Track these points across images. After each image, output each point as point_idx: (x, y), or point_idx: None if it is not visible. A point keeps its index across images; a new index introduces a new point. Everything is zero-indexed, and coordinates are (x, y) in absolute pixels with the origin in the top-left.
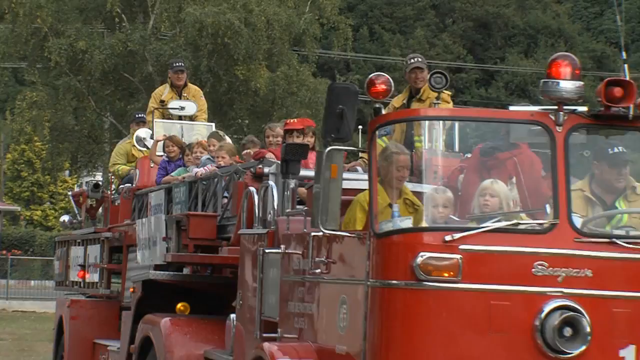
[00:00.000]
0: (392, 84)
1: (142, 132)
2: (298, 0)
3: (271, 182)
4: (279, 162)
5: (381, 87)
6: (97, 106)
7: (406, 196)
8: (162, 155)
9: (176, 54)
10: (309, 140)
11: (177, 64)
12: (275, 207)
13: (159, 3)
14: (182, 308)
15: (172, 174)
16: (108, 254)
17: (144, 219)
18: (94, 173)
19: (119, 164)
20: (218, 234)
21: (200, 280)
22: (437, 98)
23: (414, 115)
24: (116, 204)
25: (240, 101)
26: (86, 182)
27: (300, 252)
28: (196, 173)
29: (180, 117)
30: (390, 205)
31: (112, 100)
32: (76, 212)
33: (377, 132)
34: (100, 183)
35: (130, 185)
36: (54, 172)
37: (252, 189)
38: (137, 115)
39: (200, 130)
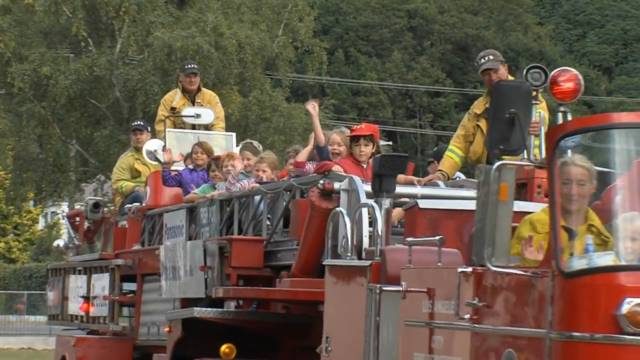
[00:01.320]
0: (582, 82)
1: (153, 143)
2: (271, 23)
3: (370, 202)
4: (353, 176)
5: (567, 85)
6: (63, 133)
7: (591, 222)
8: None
9: (144, 79)
10: (373, 150)
11: (190, 66)
12: (380, 232)
13: (127, 26)
14: (227, 350)
15: (196, 191)
16: (119, 285)
17: (169, 244)
18: (59, 203)
19: (122, 179)
20: (265, 262)
21: (252, 319)
22: (535, 98)
23: (616, 122)
24: (120, 225)
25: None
26: (84, 201)
27: (428, 291)
28: (227, 188)
29: (194, 127)
30: (569, 232)
31: (78, 128)
32: (72, 235)
33: (560, 144)
34: (101, 202)
35: (138, 204)
36: (17, 202)
37: (341, 210)
38: (136, 124)
39: (219, 141)
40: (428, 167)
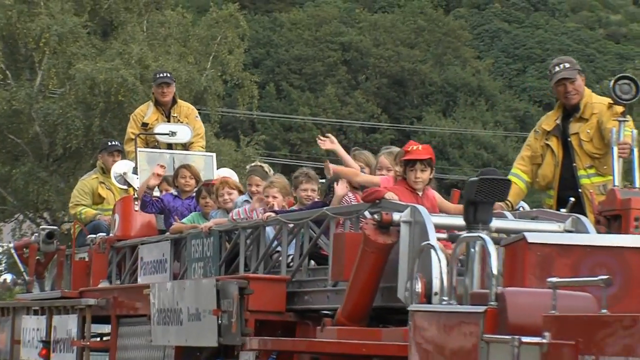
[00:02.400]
0: None
1: (122, 165)
2: (199, 56)
3: (484, 236)
4: (417, 206)
5: None
6: None
7: None
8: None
9: (65, 113)
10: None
11: (161, 75)
12: (494, 271)
13: (47, 58)
14: None
15: (184, 220)
16: (89, 328)
17: (166, 284)
18: None
19: (82, 204)
20: (287, 305)
21: None
22: (624, 114)
23: None
24: (78, 258)
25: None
26: (35, 231)
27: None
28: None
29: (169, 146)
30: None
31: None
32: (22, 269)
33: None
34: (56, 231)
35: (104, 234)
36: None
37: (437, 244)
38: (109, 144)
39: (197, 162)
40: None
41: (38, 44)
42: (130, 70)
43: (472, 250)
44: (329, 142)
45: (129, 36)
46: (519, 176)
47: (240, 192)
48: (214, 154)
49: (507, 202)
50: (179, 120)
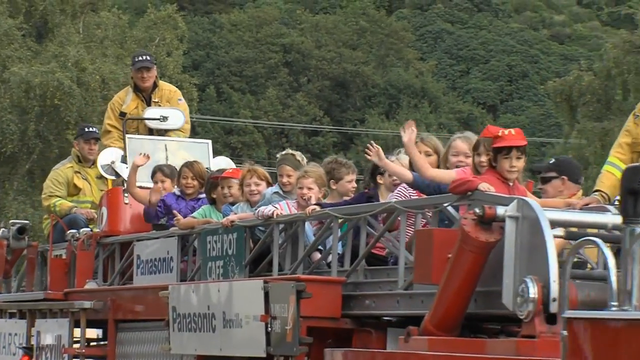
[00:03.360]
0: None
1: (109, 154)
2: None
3: None
4: (526, 198)
5: None
6: None
7: None
8: (145, 187)
9: (0, 117)
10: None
11: (140, 58)
12: None
13: None
14: None
15: (194, 214)
16: (84, 333)
17: (192, 285)
18: None
19: (56, 196)
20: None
21: None
22: None
23: None
24: (55, 256)
25: None
26: (3, 225)
27: None
28: (273, 212)
29: (151, 131)
30: None
31: None
32: None
33: None
34: (28, 226)
35: (88, 229)
36: None
37: (598, 240)
38: (86, 130)
39: (192, 150)
40: (546, 184)
41: None
42: (67, 73)
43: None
44: (375, 155)
45: (65, 38)
46: (616, 165)
47: (269, 184)
48: (210, 141)
49: (604, 195)
50: (159, 105)
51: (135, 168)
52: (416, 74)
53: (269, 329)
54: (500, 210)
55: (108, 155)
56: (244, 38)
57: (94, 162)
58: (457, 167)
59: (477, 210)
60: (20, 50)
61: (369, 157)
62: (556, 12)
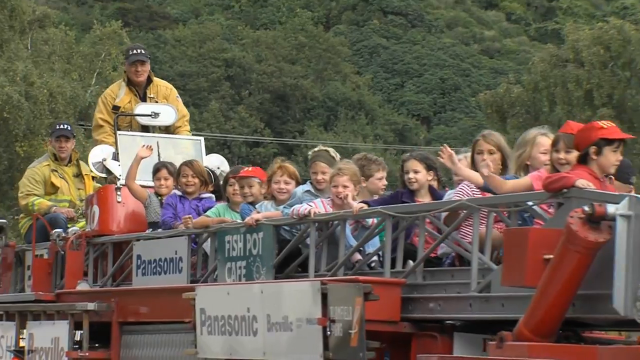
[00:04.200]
0: None
1: (100, 151)
2: (83, 73)
3: None
4: (634, 195)
5: None
6: None
7: None
8: (145, 186)
9: None
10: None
11: (135, 51)
12: None
13: None
14: None
15: (208, 213)
16: (87, 336)
17: (225, 287)
18: None
19: (34, 194)
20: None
21: None
22: None
23: None
24: (37, 255)
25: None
26: None
27: None
28: (310, 211)
29: (147, 129)
30: None
31: None
32: None
33: None
34: (5, 225)
35: (77, 229)
36: None
37: None
38: (61, 127)
39: (186, 147)
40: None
41: None
42: (15, 88)
43: None
44: (448, 159)
45: (14, 54)
46: None
47: (298, 183)
48: (202, 138)
49: None
50: (156, 101)
51: (138, 160)
52: (353, 87)
53: (328, 332)
54: (611, 209)
55: (99, 153)
56: (187, 53)
57: (70, 160)
58: (545, 165)
59: (586, 208)
60: None
61: (442, 159)
62: (486, 28)
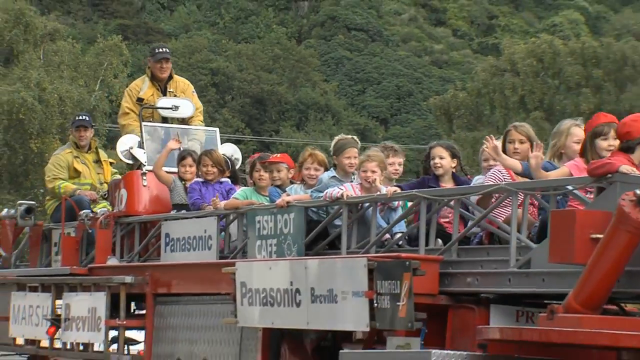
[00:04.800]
0: None
1: (127, 140)
2: (88, 79)
3: None
4: None
5: None
6: None
7: None
8: (173, 172)
9: None
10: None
11: (161, 50)
12: None
13: None
14: None
15: (236, 196)
16: (124, 306)
17: (268, 263)
18: None
19: (60, 179)
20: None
21: None
22: None
23: None
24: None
25: (36, 172)
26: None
27: None
28: (342, 194)
29: (164, 120)
30: None
31: None
32: None
33: None
34: (34, 206)
35: (105, 210)
36: None
37: None
38: (80, 118)
39: (200, 137)
40: None
41: None
42: (29, 92)
43: None
44: (492, 150)
45: (28, 63)
46: None
47: (326, 169)
48: (217, 129)
49: None
50: (175, 95)
51: (168, 151)
52: (321, 93)
53: (375, 304)
54: None
55: (126, 142)
56: (178, 63)
57: (90, 148)
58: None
59: (637, 191)
60: None
61: (486, 149)
62: (436, 42)
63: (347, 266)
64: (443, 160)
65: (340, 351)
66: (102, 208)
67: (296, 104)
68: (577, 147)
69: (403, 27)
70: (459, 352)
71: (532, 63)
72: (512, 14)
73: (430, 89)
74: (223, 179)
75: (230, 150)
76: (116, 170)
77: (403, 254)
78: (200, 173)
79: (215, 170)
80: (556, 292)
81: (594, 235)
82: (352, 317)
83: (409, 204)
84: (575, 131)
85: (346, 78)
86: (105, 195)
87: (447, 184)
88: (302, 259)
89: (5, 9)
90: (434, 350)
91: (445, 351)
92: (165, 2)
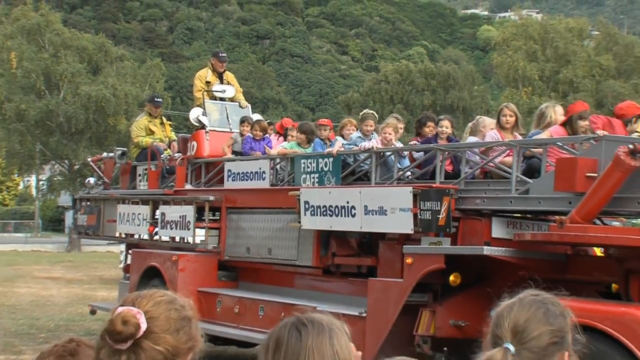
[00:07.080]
0: None
1: (196, 111)
2: (142, 84)
3: None
4: None
5: None
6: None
7: None
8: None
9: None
10: None
11: (223, 55)
12: None
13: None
14: (454, 278)
15: (284, 145)
16: (207, 215)
17: (327, 189)
18: (29, 175)
19: (141, 136)
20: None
21: (538, 258)
22: None
23: None
24: (152, 169)
25: (111, 137)
26: (109, 150)
27: None
28: (372, 146)
29: (218, 98)
30: None
31: None
32: (100, 175)
33: None
34: (127, 151)
35: (179, 154)
36: (7, 175)
37: None
38: (158, 100)
39: (241, 112)
40: None
41: None
42: (107, 91)
43: None
44: None
45: (107, 74)
46: None
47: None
48: (249, 105)
49: None
50: (228, 82)
51: (229, 145)
52: (276, 92)
53: (419, 217)
54: None
55: (195, 112)
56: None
57: (157, 116)
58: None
59: (630, 145)
60: (85, 79)
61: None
62: (342, 64)
63: (396, 192)
64: (448, 129)
65: (404, 246)
66: (165, 154)
67: (262, 99)
68: (562, 118)
69: (323, 54)
70: (511, 249)
71: (397, 77)
72: (385, 48)
73: (339, 91)
74: (265, 137)
75: (258, 117)
76: (173, 131)
77: (434, 185)
78: (252, 132)
79: (260, 133)
80: (550, 211)
81: (588, 174)
82: (400, 224)
83: (415, 154)
84: (559, 109)
85: (290, 84)
86: (167, 147)
87: (444, 142)
88: (357, 186)
89: (94, 41)
90: (485, 247)
91: (495, 248)
92: (186, 39)
